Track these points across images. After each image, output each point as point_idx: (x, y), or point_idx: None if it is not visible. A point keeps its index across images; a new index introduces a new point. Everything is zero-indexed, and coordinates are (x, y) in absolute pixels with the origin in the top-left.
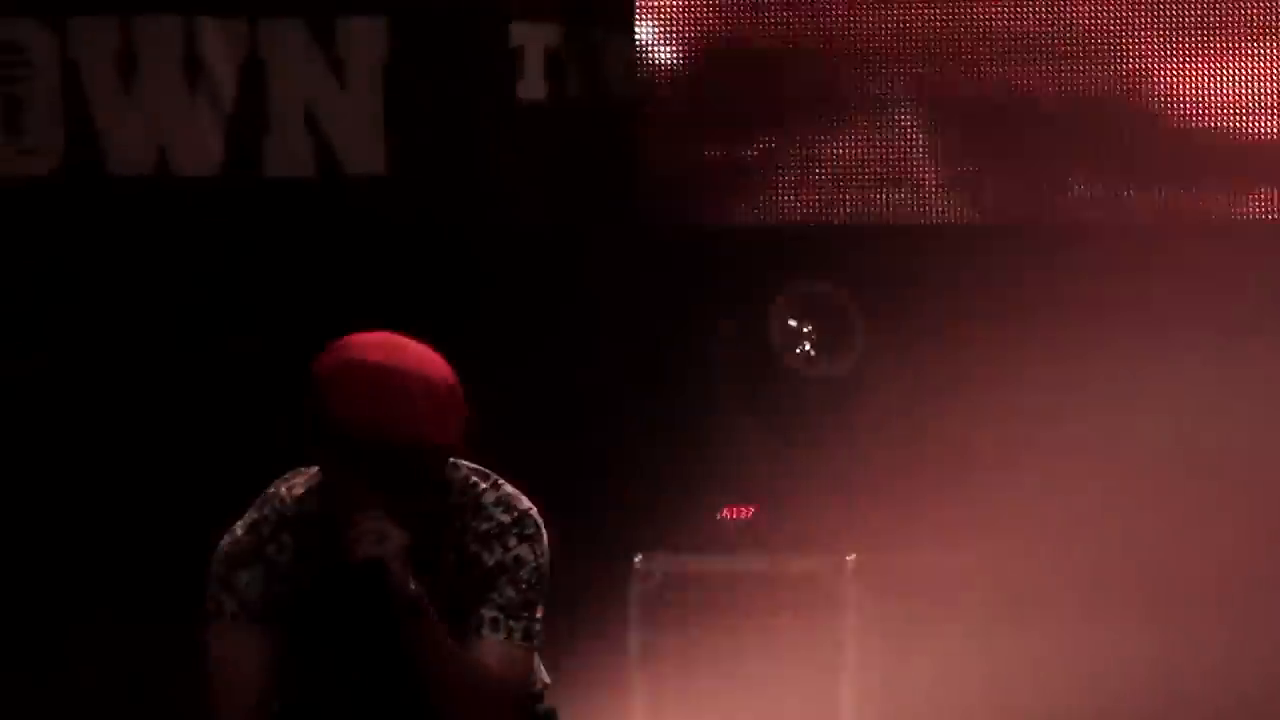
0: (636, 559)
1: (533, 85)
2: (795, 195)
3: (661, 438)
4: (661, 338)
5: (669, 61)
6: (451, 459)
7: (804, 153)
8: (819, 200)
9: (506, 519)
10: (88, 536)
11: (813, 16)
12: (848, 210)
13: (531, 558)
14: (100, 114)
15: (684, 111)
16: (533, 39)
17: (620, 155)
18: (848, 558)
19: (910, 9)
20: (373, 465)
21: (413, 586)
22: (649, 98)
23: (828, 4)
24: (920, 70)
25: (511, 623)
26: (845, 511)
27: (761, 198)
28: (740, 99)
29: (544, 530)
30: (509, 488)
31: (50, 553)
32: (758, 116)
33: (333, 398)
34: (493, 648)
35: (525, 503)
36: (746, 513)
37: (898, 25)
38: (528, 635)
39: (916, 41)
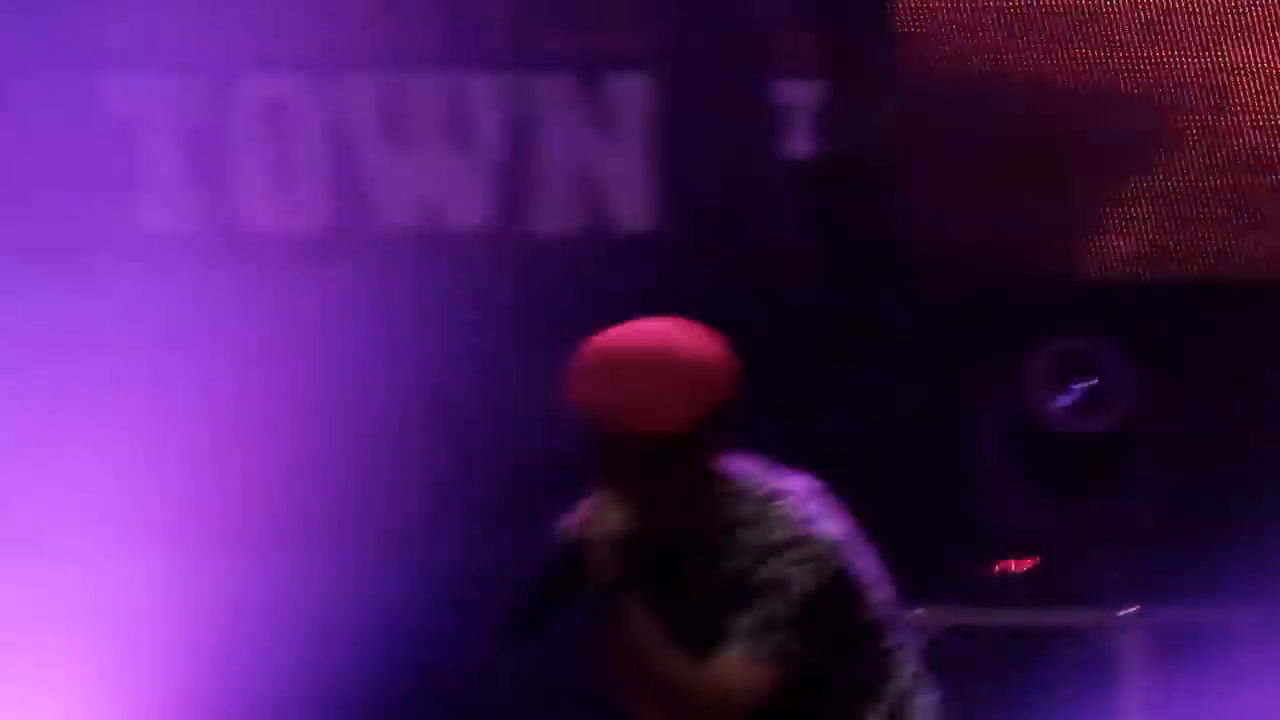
0: (917, 611)
1: (799, 143)
2: (1064, 250)
3: (940, 490)
4: (936, 392)
5: (934, 118)
6: (732, 468)
7: (1072, 206)
8: (1089, 253)
9: (784, 537)
10: None
11: (1074, 73)
12: (1120, 263)
13: (803, 580)
14: (368, 170)
15: (949, 169)
16: (799, 96)
17: (886, 213)
18: (1127, 611)
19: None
20: (598, 448)
21: (616, 572)
22: (914, 155)
23: (1094, 59)
24: (1202, 118)
25: (763, 635)
26: (1124, 564)
27: (1025, 253)
28: (1005, 153)
29: (831, 557)
30: (800, 506)
31: None
32: (1023, 171)
33: (570, 377)
34: (731, 657)
35: (812, 525)
36: (1025, 565)
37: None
38: (777, 653)
39: (1199, 90)
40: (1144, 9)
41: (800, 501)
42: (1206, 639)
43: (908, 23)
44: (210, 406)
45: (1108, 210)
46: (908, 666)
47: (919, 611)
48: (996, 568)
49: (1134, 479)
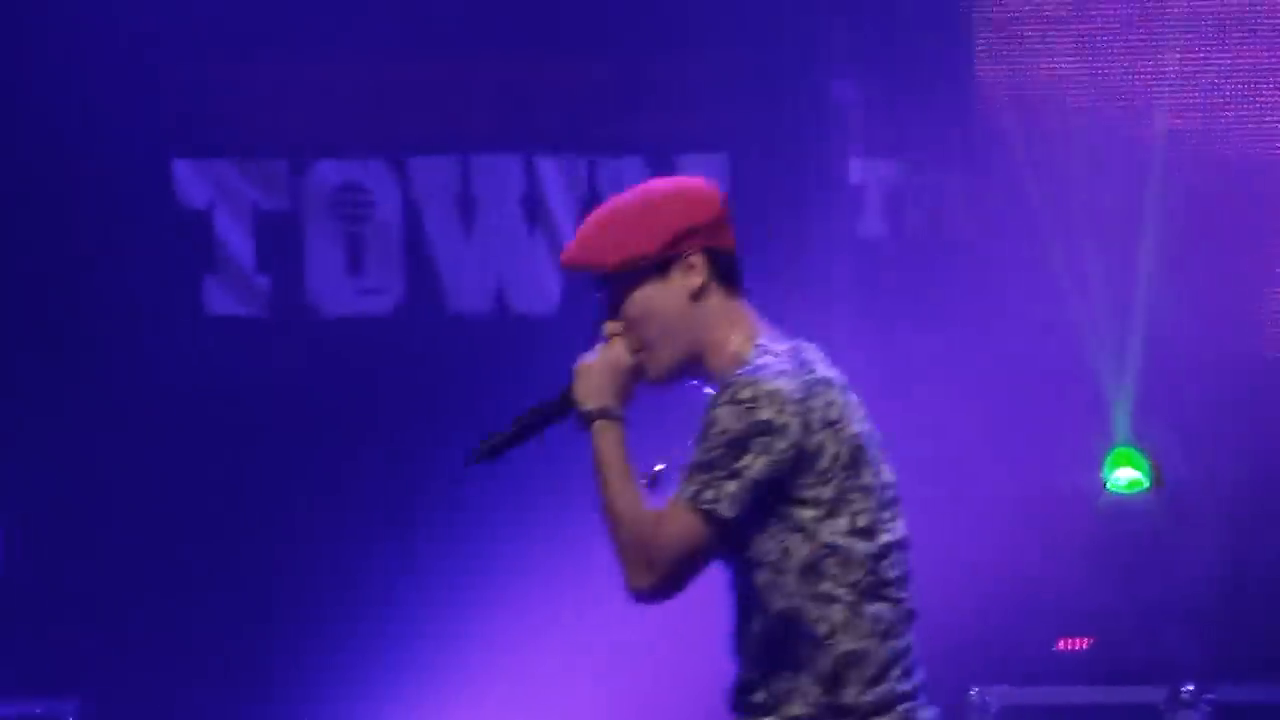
0: (972, 691)
1: (873, 222)
2: None
3: (994, 573)
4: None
5: (1009, 196)
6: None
7: None
8: None
9: (729, 383)
10: None
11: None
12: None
13: (729, 422)
14: (440, 253)
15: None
16: (873, 175)
17: (955, 291)
18: (1184, 688)
19: None
20: (599, 296)
21: (600, 401)
22: (986, 231)
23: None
24: None
25: (686, 487)
26: (1179, 641)
27: None
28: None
29: (768, 403)
30: (771, 364)
31: None
32: None
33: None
34: (666, 508)
35: (762, 377)
36: (1081, 644)
37: None
38: (695, 498)
39: None
40: None
41: (785, 358)
42: (1267, 715)
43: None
44: None
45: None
46: (891, 640)
47: (974, 691)
48: (1055, 646)
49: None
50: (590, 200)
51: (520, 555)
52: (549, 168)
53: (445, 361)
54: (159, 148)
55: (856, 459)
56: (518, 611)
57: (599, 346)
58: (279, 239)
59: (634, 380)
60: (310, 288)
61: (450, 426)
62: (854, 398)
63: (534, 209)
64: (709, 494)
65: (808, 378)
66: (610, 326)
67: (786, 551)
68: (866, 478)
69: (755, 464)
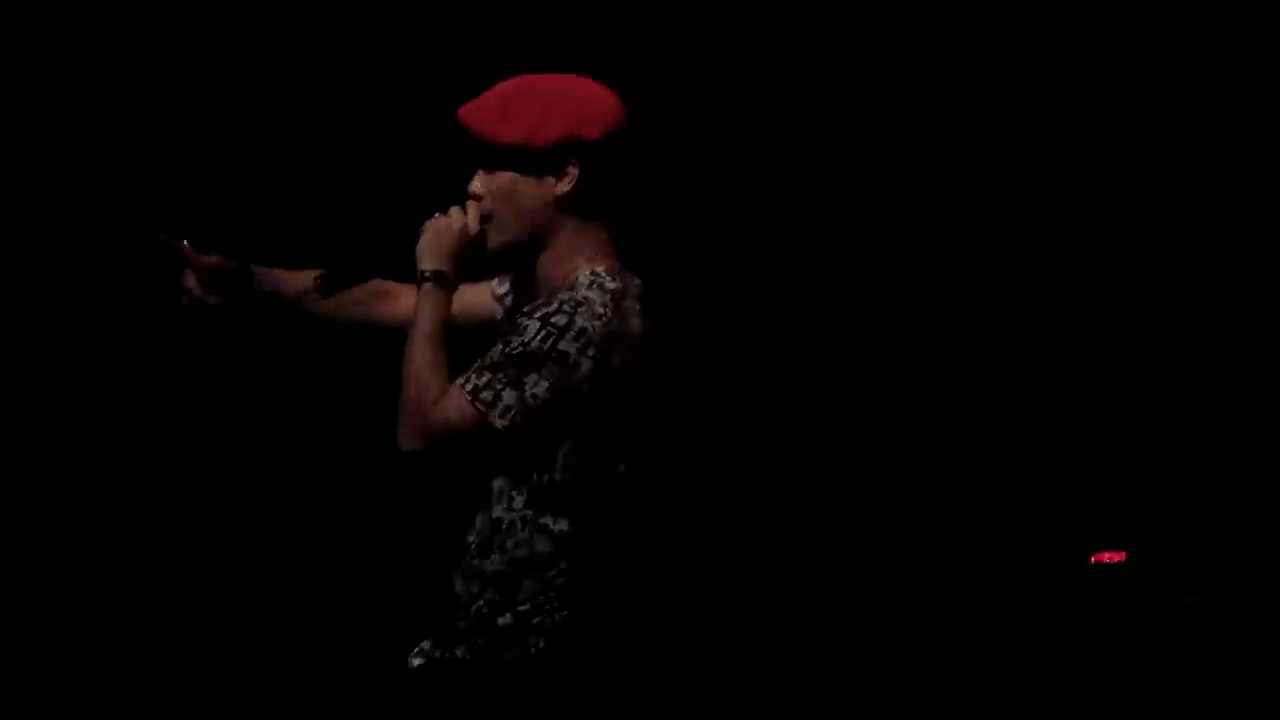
0: None
1: None
2: None
3: None
4: None
5: None
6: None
7: None
8: None
9: (551, 300)
10: None
11: None
12: None
13: (532, 336)
14: None
15: None
16: None
17: None
18: None
19: None
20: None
21: (435, 265)
22: None
23: None
24: None
25: (473, 374)
26: None
27: None
28: None
29: (573, 339)
30: (594, 300)
31: None
32: None
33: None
34: (452, 386)
35: (579, 312)
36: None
37: None
38: (475, 391)
39: None
40: None
41: (609, 300)
42: None
43: None
44: None
45: None
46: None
47: None
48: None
49: None
50: None
51: None
52: None
53: None
54: None
55: (627, 412)
56: None
57: (454, 209)
58: None
59: (473, 250)
60: None
61: None
62: (649, 351)
63: None
64: (487, 394)
65: (618, 328)
66: (475, 186)
67: (523, 475)
68: (626, 430)
69: (537, 387)
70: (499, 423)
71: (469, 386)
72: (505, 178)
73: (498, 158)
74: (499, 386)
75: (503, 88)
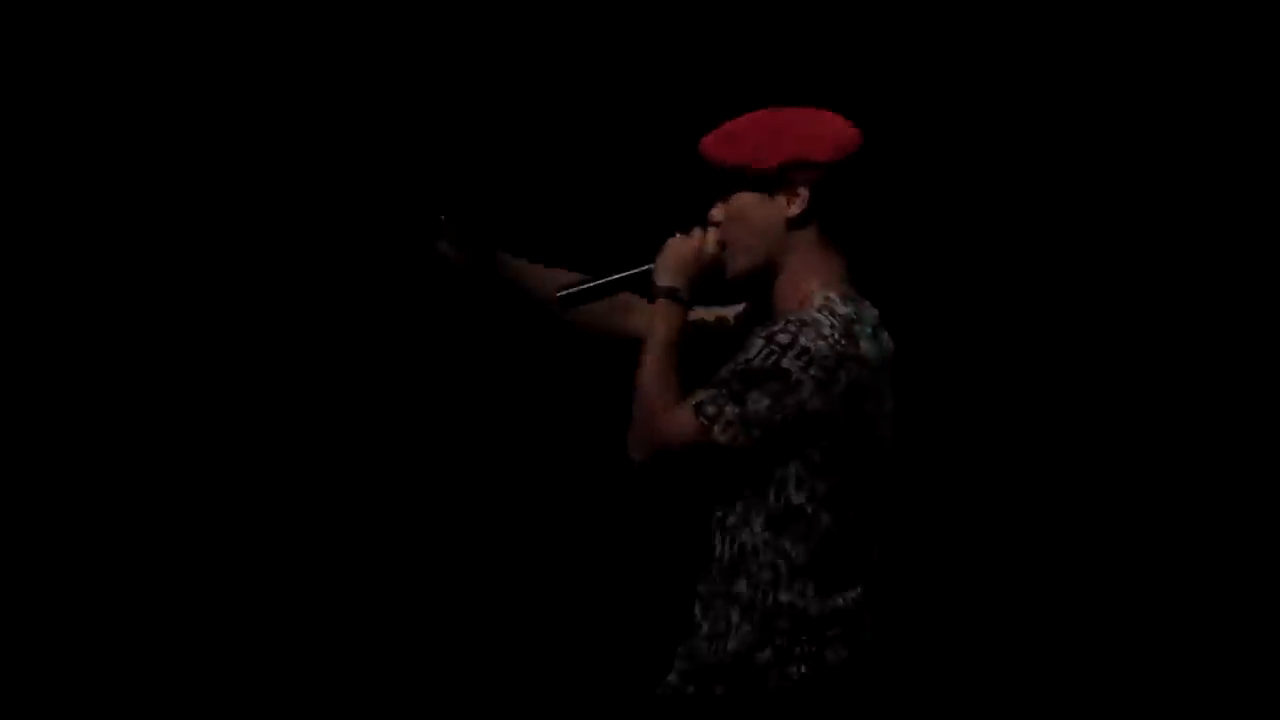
0: None
1: None
2: None
3: None
4: None
5: None
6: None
7: None
8: None
9: (780, 321)
10: None
11: None
12: None
13: (756, 353)
14: None
15: None
16: None
17: None
18: None
19: None
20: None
21: (672, 282)
22: None
23: None
24: None
25: (700, 391)
26: None
27: None
28: None
29: (795, 356)
30: (823, 322)
31: None
32: None
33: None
34: (685, 403)
35: (804, 332)
36: None
37: None
38: (700, 405)
39: None
40: None
41: (839, 323)
42: None
43: None
44: None
45: None
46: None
47: None
48: None
49: None
50: None
51: None
52: None
53: None
54: None
55: (858, 435)
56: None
57: (695, 230)
58: None
59: (710, 272)
60: None
61: None
62: (887, 375)
63: None
64: (710, 408)
65: (847, 349)
66: (715, 213)
67: (759, 498)
68: (860, 455)
69: (759, 403)
70: (721, 437)
71: (694, 401)
72: (738, 199)
73: (730, 181)
74: (722, 402)
75: (737, 121)
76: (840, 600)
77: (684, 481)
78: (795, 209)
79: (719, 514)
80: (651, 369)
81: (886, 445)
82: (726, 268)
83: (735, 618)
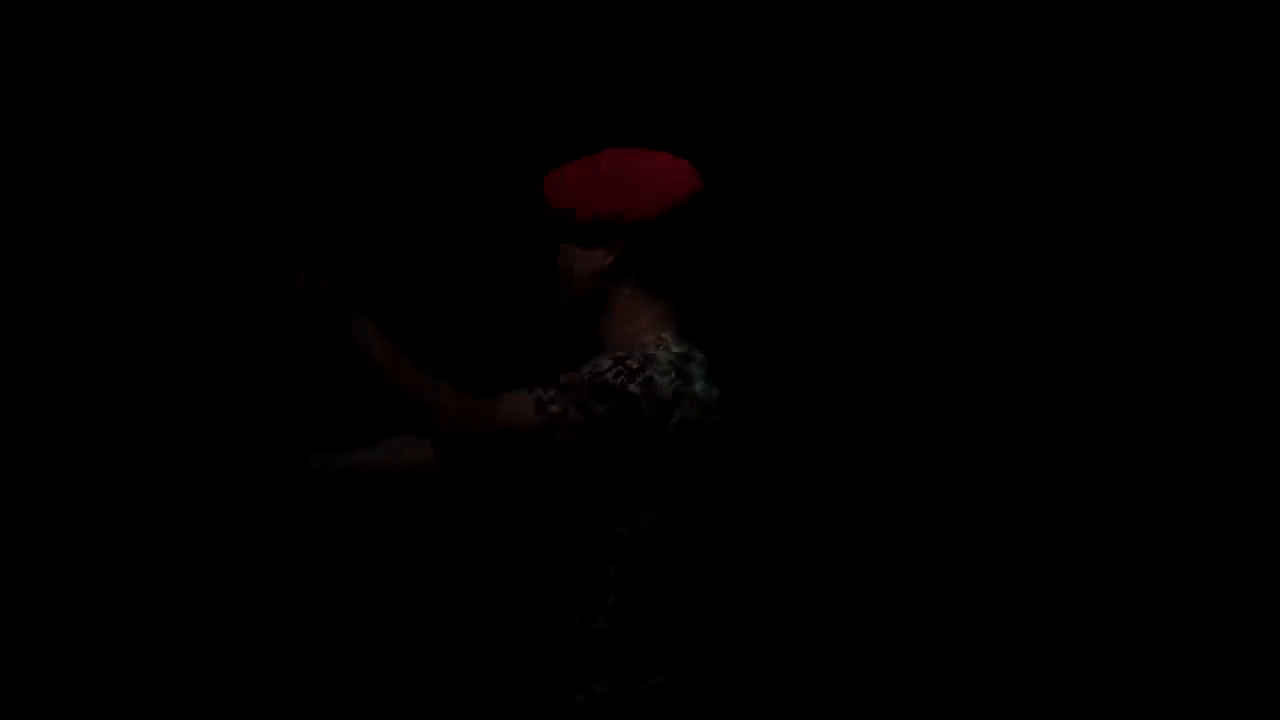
0: None
1: None
2: None
3: None
4: None
5: None
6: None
7: None
8: None
9: (624, 349)
10: None
11: None
12: None
13: (606, 369)
14: None
15: None
16: None
17: None
18: None
19: None
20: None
21: (341, 302)
22: None
23: None
24: None
25: (540, 388)
26: None
27: None
28: None
29: (641, 386)
30: (661, 359)
31: None
32: None
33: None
34: (515, 394)
35: (651, 367)
36: None
37: None
38: (541, 403)
39: None
40: None
41: (675, 361)
42: None
43: None
44: None
45: None
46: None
47: None
48: None
49: None
50: None
51: None
52: None
53: None
54: None
55: (683, 472)
56: None
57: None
58: None
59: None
60: None
61: None
62: (714, 418)
63: None
64: (555, 408)
65: (682, 388)
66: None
67: (583, 528)
68: (682, 492)
69: (601, 417)
70: (560, 436)
71: (535, 395)
72: (562, 245)
73: (557, 224)
74: (566, 404)
75: (585, 160)
76: (662, 631)
77: (507, 505)
78: (609, 261)
79: (543, 542)
80: (399, 360)
81: (710, 485)
82: (559, 296)
83: (559, 646)
